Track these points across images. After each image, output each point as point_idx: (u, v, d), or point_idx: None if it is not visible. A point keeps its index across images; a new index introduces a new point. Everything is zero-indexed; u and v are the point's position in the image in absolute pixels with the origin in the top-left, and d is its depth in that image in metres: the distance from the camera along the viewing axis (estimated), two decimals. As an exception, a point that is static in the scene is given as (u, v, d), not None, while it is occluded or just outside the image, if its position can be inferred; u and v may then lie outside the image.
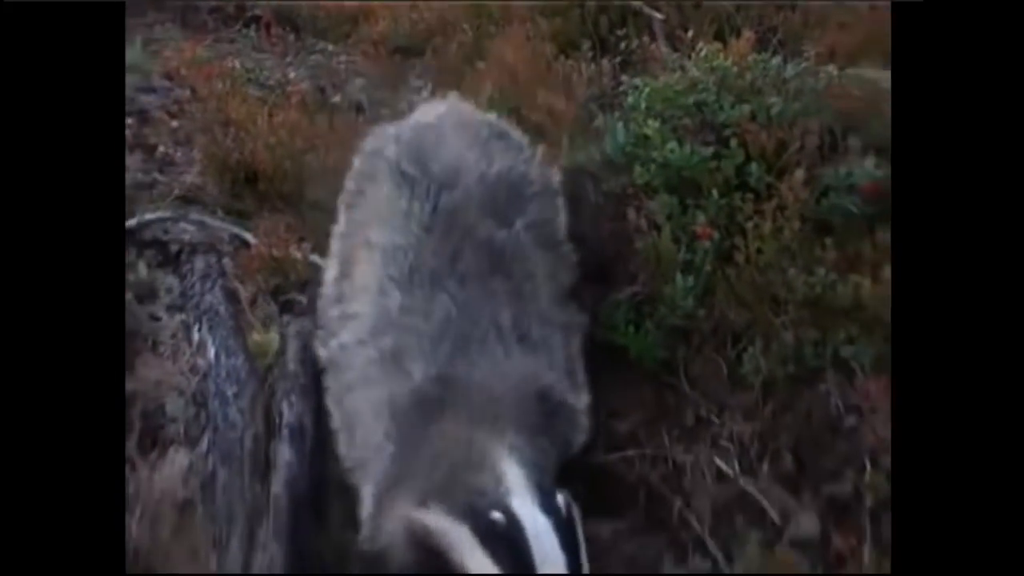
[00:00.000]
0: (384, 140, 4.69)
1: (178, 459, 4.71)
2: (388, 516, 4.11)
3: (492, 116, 5.15)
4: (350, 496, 4.60)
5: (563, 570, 3.81)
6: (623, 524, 4.67)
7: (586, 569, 3.91)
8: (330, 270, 4.54)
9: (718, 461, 4.69)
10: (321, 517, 4.68)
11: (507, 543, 3.83)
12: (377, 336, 4.27)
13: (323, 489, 4.72)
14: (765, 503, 4.59)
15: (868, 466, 4.55)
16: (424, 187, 4.41)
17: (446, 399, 4.14)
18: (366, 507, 4.22)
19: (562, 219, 4.75)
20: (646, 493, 4.72)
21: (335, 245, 4.56)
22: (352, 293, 4.41)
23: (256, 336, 5.00)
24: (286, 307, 5.10)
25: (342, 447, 4.40)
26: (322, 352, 4.51)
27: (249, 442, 4.70)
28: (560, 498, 3.91)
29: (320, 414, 4.82)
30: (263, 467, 4.67)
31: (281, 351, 5.01)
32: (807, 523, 4.54)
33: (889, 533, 4.46)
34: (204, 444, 4.76)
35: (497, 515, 3.84)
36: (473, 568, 3.88)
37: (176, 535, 4.58)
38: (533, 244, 4.45)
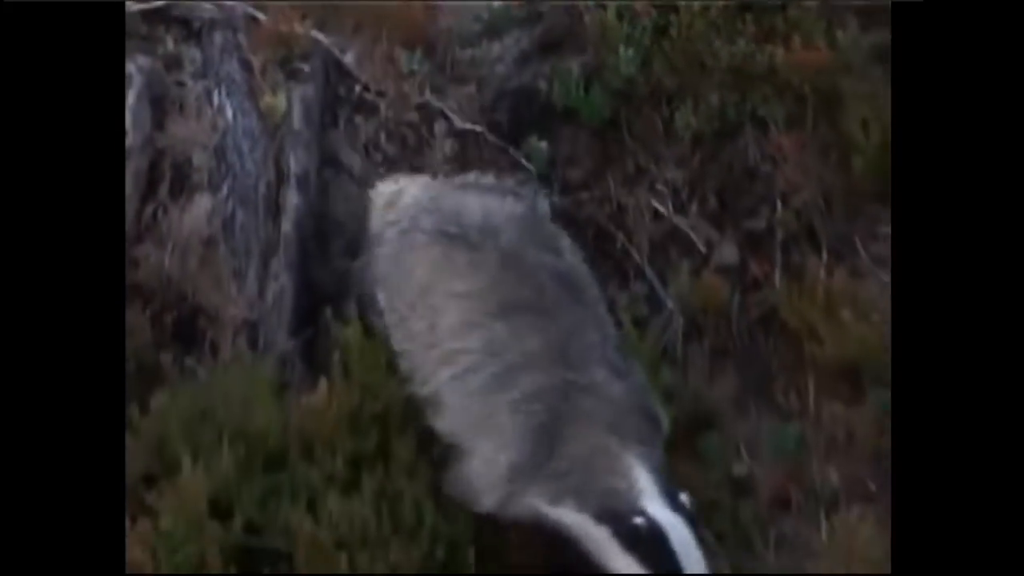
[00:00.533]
0: (412, 212, 4.36)
1: (203, 202, 4.77)
2: (519, 501, 3.96)
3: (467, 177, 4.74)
4: (349, 233, 4.76)
5: (703, 567, 3.76)
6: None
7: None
8: (414, 322, 4.23)
9: (655, 202, 4.85)
10: (324, 251, 4.79)
11: (651, 545, 3.75)
12: (492, 357, 4.05)
13: (325, 227, 4.81)
14: (694, 236, 4.79)
15: (779, 205, 4.75)
16: (475, 239, 4.18)
17: (581, 406, 3.97)
18: (485, 486, 4.02)
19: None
20: (594, 229, 4.83)
21: (388, 318, 4.29)
22: (447, 334, 4.15)
23: (267, 99, 4.97)
24: (292, 75, 5.02)
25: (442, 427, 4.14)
26: (421, 391, 4.20)
27: (263, 188, 4.80)
28: (683, 497, 3.86)
29: (321, 165, 4.88)
30: (275, 209, 4.78)
31: (288, 112, 4.94)
32: (728, 252, 4.76)
33: (797, 262, 4.65)
34: (224, 190, 4.80)
35: (640, 520, 3.75)
36: (620, 569, 3.80)
37: (202, 267, 4.67)
38: (580, 265, 4.29)
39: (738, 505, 4.35)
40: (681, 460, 4.28)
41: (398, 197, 4.48)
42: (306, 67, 5.01)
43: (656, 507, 3.75)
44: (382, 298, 4.33)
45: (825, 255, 4.65)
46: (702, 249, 4.77)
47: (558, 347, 4.03)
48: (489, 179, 4.62)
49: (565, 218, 4.78)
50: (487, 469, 4.03)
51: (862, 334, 4.40)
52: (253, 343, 4.56)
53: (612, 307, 4.56)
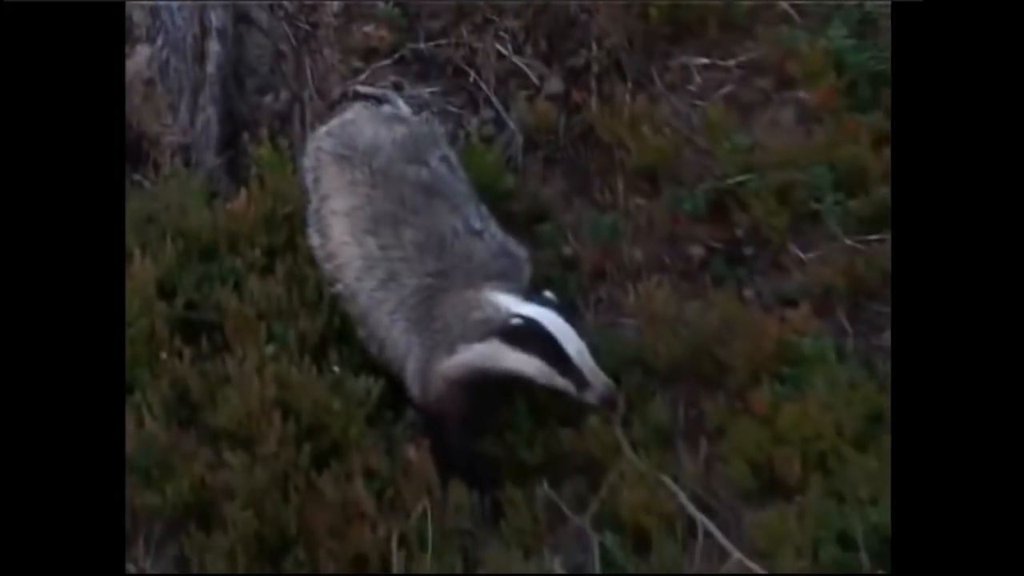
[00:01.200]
0: (319, 138, 4.40)
1: (143, 51, 4.84)
2: (432, 380, 3.99)
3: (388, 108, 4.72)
4: (260, 74, 4.93)
5: (580, 343, 3.78)
6: (437, 88, 5.01)
7: None
8: (313, 237, 4.28)
9: (498, 46, 5.01)
10: (241, 89, 4.98)
11: (533, 336, 3.78)
12: (369, 272, 4.09)
13: (240, 70, 4.99)
14: (529, 72, 4.99)
15: (594, 47, 4.93)
16: (357, 160, 4.20)
17: (440, 286, 4.02)
18: (411, 384, 4.06)
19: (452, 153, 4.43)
20: (452, 68, 5.04)
21: (311, 220, 4.30)
22: (335, 249, 4.18)
23: None
24: None
25: (375, 352, 4.17)
26: (333, 291, 4.24)
27: (190, 39, 4.90)
28: (547, 293, 3.93)
29: (236, 21, 4.97)
30: (200, 56, 4.91)
31: None
32: (555, 84, 4.97)
33: (608, 91, 4.86)
34: (159, 41, 4.86)
35: (515, 320, 3.79)
36: (517, 367, 3.82)
37: (144, 102, 4.81)
38: (447, 171, 4.27)
39: (567, 277, 4.52)
40: (525, 243, 4.39)
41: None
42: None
43: (525, 308, 3.82)
44: (312, 200, 4.32)
45: (630, 84, 4.85)
46: (535, 82, 4.95)
47: (420, 245, 4.04)
48: (398, 109, 4.67)
49: (428, 61, 5.00)
50: (403, 374, 4.07)
51: (658, 144, 4.64)
52: (187, 162, 4.71)
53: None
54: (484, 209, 4.24)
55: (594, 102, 4.84)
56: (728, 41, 4.90)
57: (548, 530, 3.97)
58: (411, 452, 3.99)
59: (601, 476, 3.98)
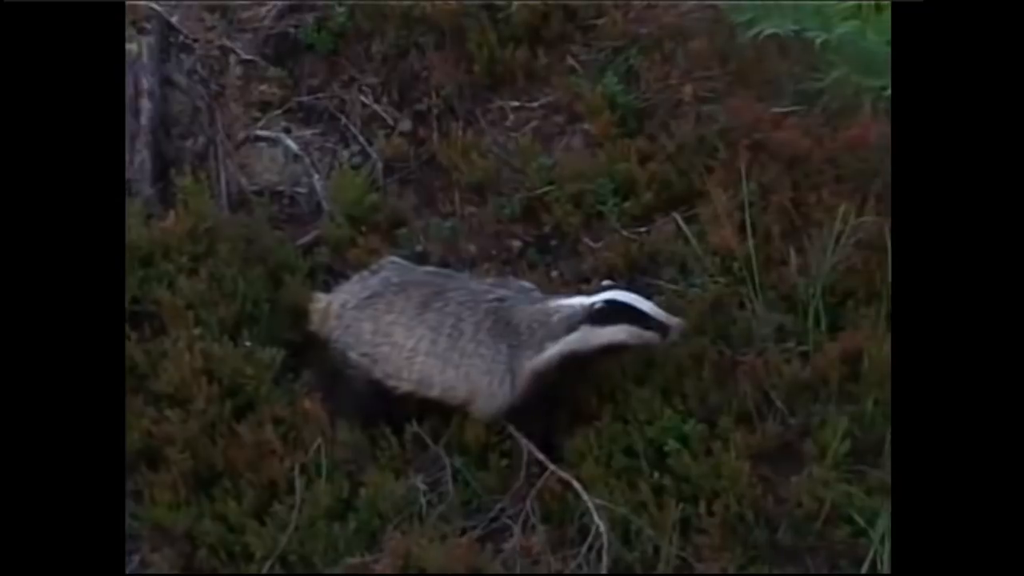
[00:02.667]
0: (341, 311, 3.97)
1: None
2: (521, 375, 3.74)
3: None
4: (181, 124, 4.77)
5: (648, 300, 3.65)
6: (317, 130, 4.93)
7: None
8: (375, 372, 3.89)
9: (362, 97, 4.92)
10: (168, 135, 4.83)
11: (615, 312, 3.62)
12: (438, 334, 3.80)
13: (167, 122, 4.83)
14: (386, 116, 4.90)
15: (434, 95, 4.84)
16: (378, 291, 3.92)
17: (506, 307, 3.78)
18: (491, 390, 3.78)
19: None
20: (327, 115, 4.94)
21: (366, 369, 3.92)
22: (401, 346, 3.84)
23: (128, 46, 4.61)
24: (140, 31, 4.81)
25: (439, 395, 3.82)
26: (407, 385, 3.86)
27: (128, 98, 4.62)
28: (605, 282, 3.79)
29: (161, 84, 4.79)
30: (136, 111, 4.72)
31: (139, 53, 4.70)
32: (406, 124, 4.88)
33: (445, 127, 4.76)
34: None
35: (598, 305, 3.61)
36: (609, 338, 3.64)
37: None
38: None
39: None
40: (387, 244, 4.44)
41: (328, 307, 4.00)
42: (148, 25, 4.93)
43: (599, 297, 3.64)
44: (353, 353, 3.90)
45: (461, 122, 4.83)
46: (391, 123, 4.92)
47: (468, 294, 3.81)
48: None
49: (309, 110, 4.95)
50: (491, 401, 3.78)
51: (484, 166, 4.62)
52: (128, 192, 4.53)
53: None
54: None
55: (435, 136, 4.80)
56: (532, 88, 4.90)
57: (414, 456, 3.96)
58: (307, 403, 3.97)
59: (452, 414, 3.96)
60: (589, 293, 3.80)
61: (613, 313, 3.62)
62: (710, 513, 3.55)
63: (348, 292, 3.96)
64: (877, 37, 4.32)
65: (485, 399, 3.79)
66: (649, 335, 3.65)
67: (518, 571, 3.64)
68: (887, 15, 4.16)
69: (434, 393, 3.80)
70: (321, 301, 3.99)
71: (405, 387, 3.82)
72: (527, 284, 3.92)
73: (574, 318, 3.65)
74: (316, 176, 4.71)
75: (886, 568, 3.37)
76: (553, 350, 3.67)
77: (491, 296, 3.79)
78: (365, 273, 4.01)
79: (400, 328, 3.81)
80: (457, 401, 3.81)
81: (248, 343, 4.06)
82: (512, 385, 3.76)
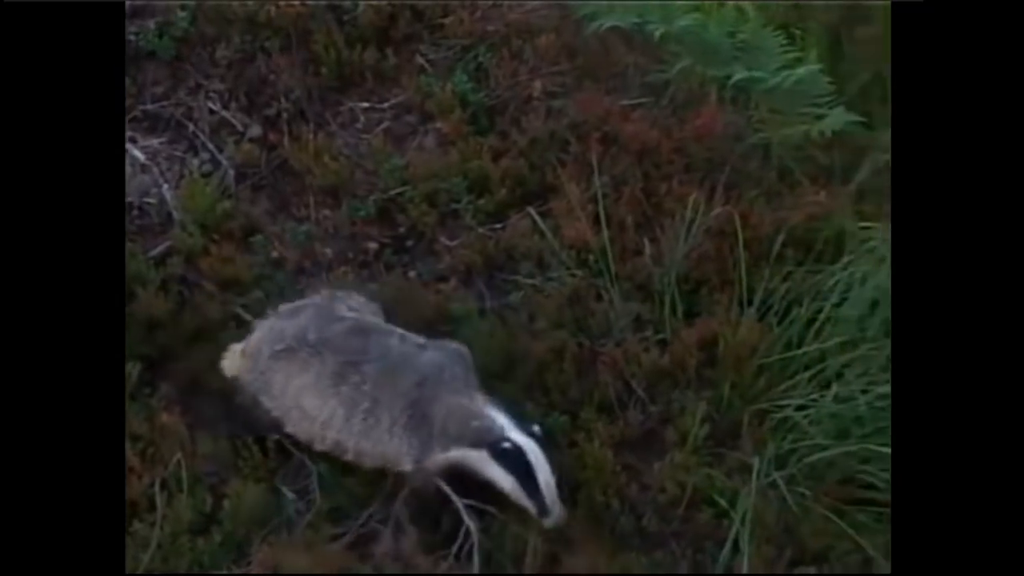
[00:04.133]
0: (256, 354, 3.87)
1: None
2: (426, 467, 3.66)
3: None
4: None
5: (552, 474, 3.52)
6: (164, 139, 4.75)
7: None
8: (288, 426, 3.84)
9: (209, 103, 4.81)
10: None
11: (515, 459, 3.51)
12: (354, 411, 3.72)
13: None
14: (235, 122, 4.78)
15: (283, 99, 4.78)
16: (295, 345, 3.81)
17: (425, 396, 3.67)
18: (408, 467, 3.69)
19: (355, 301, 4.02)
20: (174, 122, 4.79)
21: (280, 419, 3.85)
22: (314, 415, 3.78)
23: None
24: None
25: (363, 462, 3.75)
26: (321, 448, 3.80)
27: None
28: (535, 428, 3.61)
29: None
30: None
31: None
32: (255, 130, 4.78)
33: (296, 131, 4.69)
34: None
35: (506, 443, 3.51)
36: (495, 477, 3.55)
37: None
38: (359, 312, 3.97)
39: (275, 274, 4.31)
40: (242, 252, 4.36)
41: (248, 346, 3.89)
42: None
43: (515, 435, 3.55)
44: (265, 399, 3.82)
45: (312, 126, 4.77)
46: (240, 129, 4.83)
47: (385, 371, 3.70)
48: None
49: (155, 118, 4.80)
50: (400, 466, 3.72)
51: (336, 169, 4.51)
52: None
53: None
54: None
55: (286, 141, 4.72)
56: (382, 89, 4.87)
57: (279, 465, 3.90)
58: (164, 417, 3.87)
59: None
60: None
61: (512, 461, 3.55)
62: (575, 504, 3.57)
63: (264, 334, 3.87)
64: (718, 29, 4.48)
65: (395, 466, 3.76)
66: (527, 503, 3.56)
67: (388, 574, 3.64)
68: (728, 9, 4.49)
69: (348, 457, 3.76)
70: (235, 350, 3.92)
71: (318, 448, 3.78)
72: (458, 347, 3.81)
73: (484, 436, 3.58)
74: (165, 186, 4.58)
75: (744, 544, 3.45)
76: (454, 456, 3.64)
77: (412, 379, 3.69)
78: (284, 311, 3.92)
79: (312, 396, 3.75)
80: (370, 465, 3.78)
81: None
82: (412, 473, 3.74)
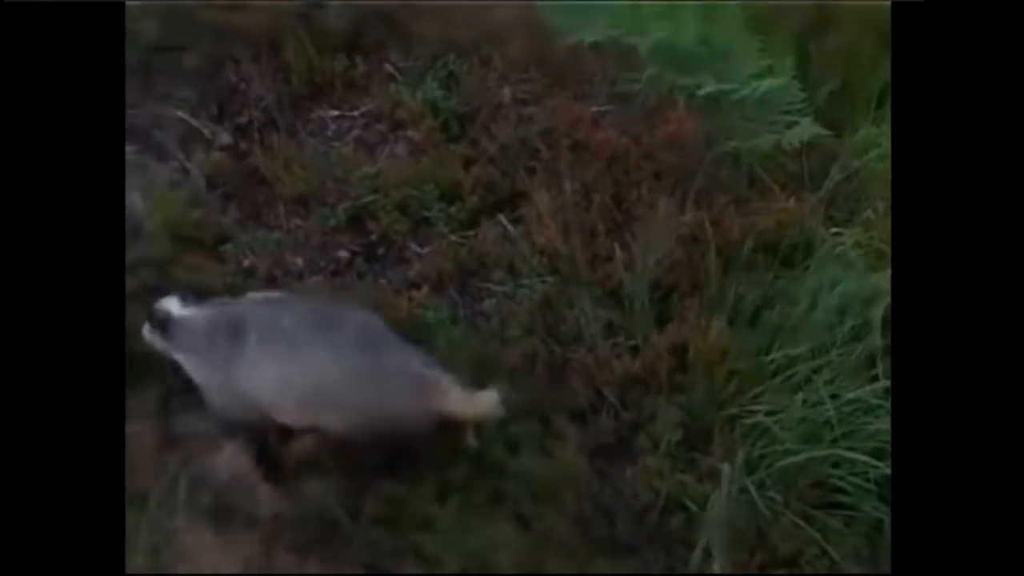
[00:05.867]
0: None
1: None
2: None
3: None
4: None
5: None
6: (133, 148, 4.69)
7: None
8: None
9: (180, 113, 4.80)
10: None
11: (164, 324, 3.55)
12: None
13: None
14: (205, 131, 4.77)
15: (253, 107, 4.78)
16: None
17: None
18: None
19: None
20: (143, 133, 4.77)
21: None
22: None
23: None
24: None
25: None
26: None
27: None
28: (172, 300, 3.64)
29: None
30: None
31: None
32: (225, 138, 4.78)
33: (267, 138, 4.67)
34: None
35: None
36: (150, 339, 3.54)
37: None
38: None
39: (247, 284, 4.26)
40: (213, 260, 4.34)
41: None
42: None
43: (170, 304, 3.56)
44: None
45: (282, 134, 4.77)
46: (210, 137, 4.82)
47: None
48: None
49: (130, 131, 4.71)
50: None
51: (307, 177, 4.55)
52: None
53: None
54: None
55: (257, 149, 4.71)
56: (352, 97, 4.87)
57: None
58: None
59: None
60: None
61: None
62: (549, 512, 3.62)
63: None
64: (689, 37, 4.50)
65: None
66: None
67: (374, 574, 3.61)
68: (700, 17, 4.49)
69: None
70: None
71: None
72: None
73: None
74: (135, 195, 4.47)
75: (716, 549, 3.48)
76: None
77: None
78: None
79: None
80: None
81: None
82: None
